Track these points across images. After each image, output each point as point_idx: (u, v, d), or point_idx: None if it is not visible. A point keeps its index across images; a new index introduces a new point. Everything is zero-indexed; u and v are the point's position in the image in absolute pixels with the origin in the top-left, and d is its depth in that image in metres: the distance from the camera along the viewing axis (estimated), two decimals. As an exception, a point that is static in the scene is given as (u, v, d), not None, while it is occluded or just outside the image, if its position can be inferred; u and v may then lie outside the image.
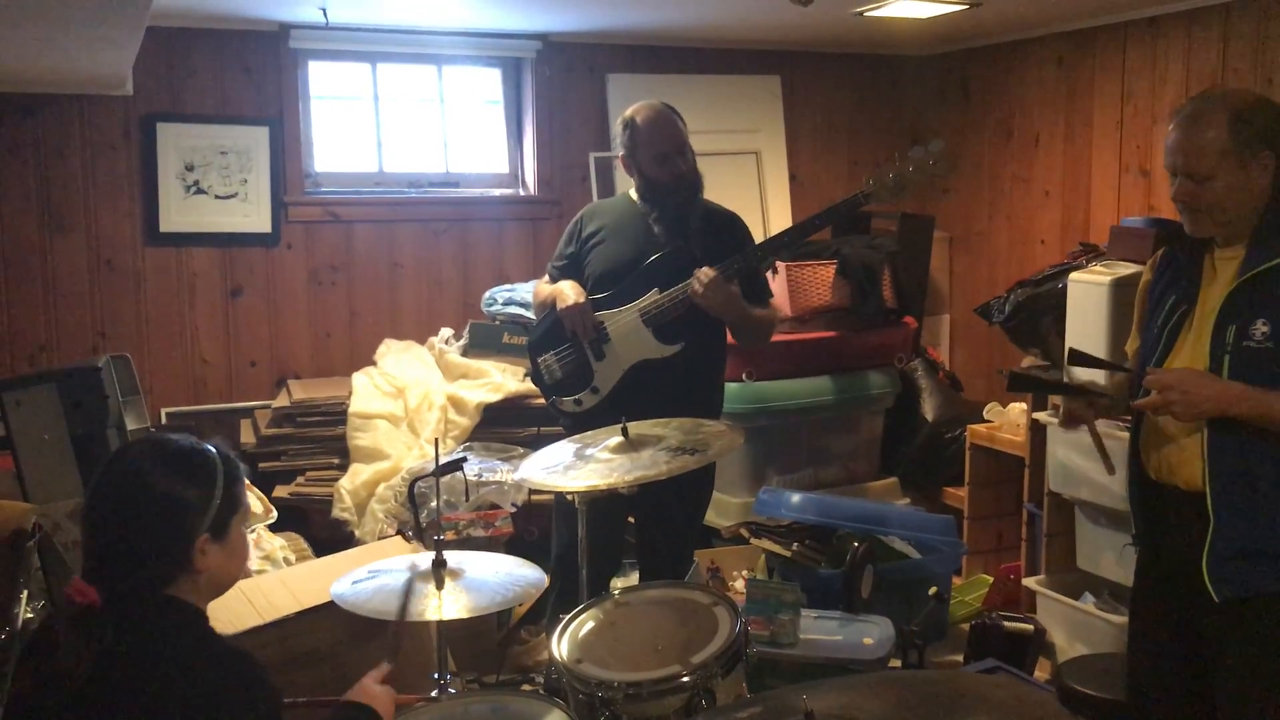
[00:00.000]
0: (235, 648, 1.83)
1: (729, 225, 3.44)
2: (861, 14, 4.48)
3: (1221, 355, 2.26)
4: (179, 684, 1.69)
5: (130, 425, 3.70)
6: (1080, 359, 2.59)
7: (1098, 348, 3.71)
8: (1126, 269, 3.76)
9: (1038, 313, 4.17)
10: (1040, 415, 4.04)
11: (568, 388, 3.39)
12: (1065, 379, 2.61)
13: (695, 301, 3.20)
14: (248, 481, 3.87)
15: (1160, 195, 4.48)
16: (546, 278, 3.55)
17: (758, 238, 3.50)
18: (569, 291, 3.31)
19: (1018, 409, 4.37)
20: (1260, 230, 2.28)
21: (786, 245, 3.32)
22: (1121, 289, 3.66)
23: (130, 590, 1.74)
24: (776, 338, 3.69)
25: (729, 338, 3.49)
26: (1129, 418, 2.55)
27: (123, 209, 4.48)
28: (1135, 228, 3.98)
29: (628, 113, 3.38)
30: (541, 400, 4.22)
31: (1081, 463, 3.80)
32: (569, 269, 3.46)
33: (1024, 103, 5.16)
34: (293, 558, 3.75)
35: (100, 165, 4.44)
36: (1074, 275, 3.92)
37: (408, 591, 2.36)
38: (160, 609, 1.76)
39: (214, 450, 1.86)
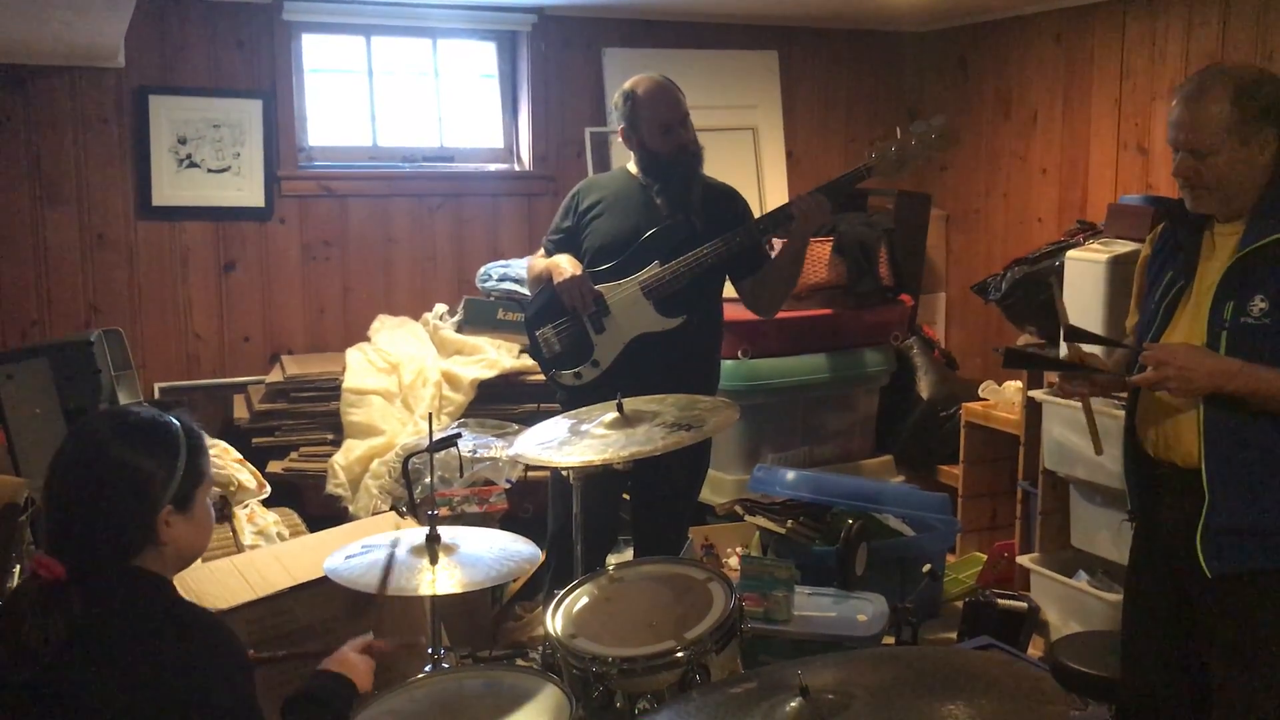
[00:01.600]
0: (204, 614, 1.84)
1: (729, 199, 3.43)
2: (860, -11, 4.45)
3: (1219, 331, 2.26)
4: (149, 652, 1.69)
5: (122, 400, 3.68)
6: (1077, 334, 2.58)
7: (1094, 325, 3.70)
8: (1124, 247, 3.75)
9: (1034, 290, 4.16)
10: (1036, 393, 4.04)
11: (567, 361, 3.37)
12: (1061, 355, 2.59)
13: (796, 210, 3.20)
14: (240, 456, 3.90)
15: (1158, 173, 4.47)
16: (541, 252, 3.53)
17: (754, 214, 3.49)
18: (566, 265, 3.30)
19: (1013, 387, 4.37)
20: (1260, 207, 2.28)
21: (778, 223, 3.31)
22: (1119, 267, 3.65)
23: (95, 563, 1.74)
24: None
25: (735, 313, 3.48)
26: (1125, 395, 2.55)
27: (115, 182, 4.45)
28: (1133, 205, 3.97)
29: (627, 85, 3.36)
30: (537, 377, 4.23)
31: (1076, 441, 3.80)
32: (565, 243, 3.44)
33: (1022, 80, 5.14)
34: (286, 533, 3.75)
35: (92, 138, 4.40)
36: (1071, 253, 3.92)
37: (389, 566, 2.34)
38: (126, 580, 1.76)
39: (176, 421, 1.86)
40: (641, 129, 3.32)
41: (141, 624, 1.72)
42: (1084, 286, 3.79)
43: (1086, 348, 2.58)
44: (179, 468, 1.80)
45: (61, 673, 1.67)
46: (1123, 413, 2.55)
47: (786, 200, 4.72)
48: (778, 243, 4.31)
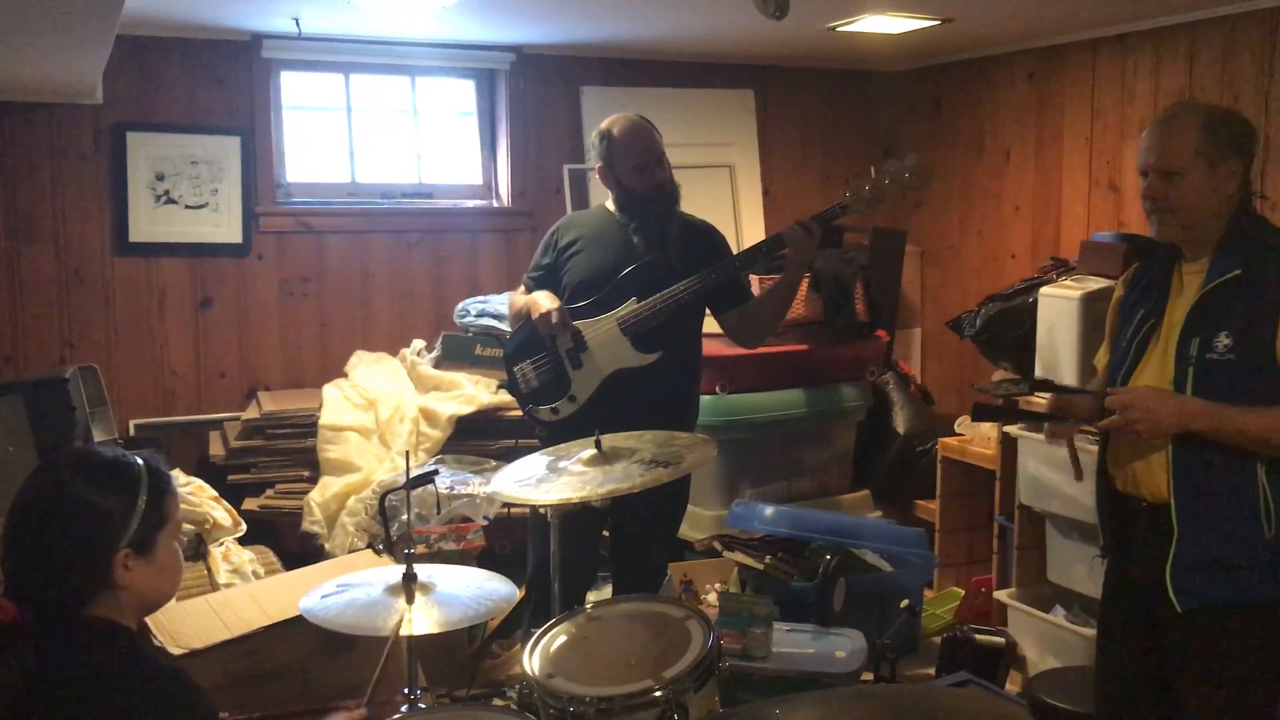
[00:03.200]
0: (168, 666, 1.78)
1: (707, 236, 3.46)
2: (834, 29, 4.50)
3: (1186, 368, 2.29)
4: (104, 707, 1.64)
5: (98, 437, 3.67)
6: (1046, 387, 2.62)
7: (1068, 361, 3.74)
8: (1096, 283, 3.79)
9: (1009, 327, 4.19)
10: (1011, 429, 4.06)
11: (544, 396, 3.38)
12: (1030, 398, 2.63)
13: (787, 240, 3.21)
14: (216, 494, 3.87)
15: (1129, 210, 4.53)
16: (521, 289, 3.54)
17: (732, 250, 3.51)
18: (544, 300, 3.31)
19: (988, 423, 4.39)
20: (1224, 242, 2.32)
21: (764, 255, 3.34)
22: (1091, 303, 3.69)
23: (48, 608, 1.69)
24: (749, 350, 3.70)
25: (712, 349, 3.50)
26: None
27: (92, 218, 4.44)
28: (1105, 242, 4.02)
29: (604, 125, 3.39)
30: (515, 413, 4.23)
31: (1052, 476, 3.82)
32: (544, 280, 3.45)
33: (995, 118, 5.20)
34: (261, 571, 3.72)
35: (69, 174, 4.39)
36: (1044, 289, 3.95)
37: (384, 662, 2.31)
38: (81, 629, 1.70)
39: (140, 461, 1.80)
40: (618, 168, 3.35)
41: (97, 677, 1.66)
42: (1057, 322, 3.83)
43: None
44: (139, 508, 1.74)
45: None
46: (1096, 447, 2.57)
47: (764, 236, 4.76)
48: (755, 279, 4.37)
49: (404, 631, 2.36)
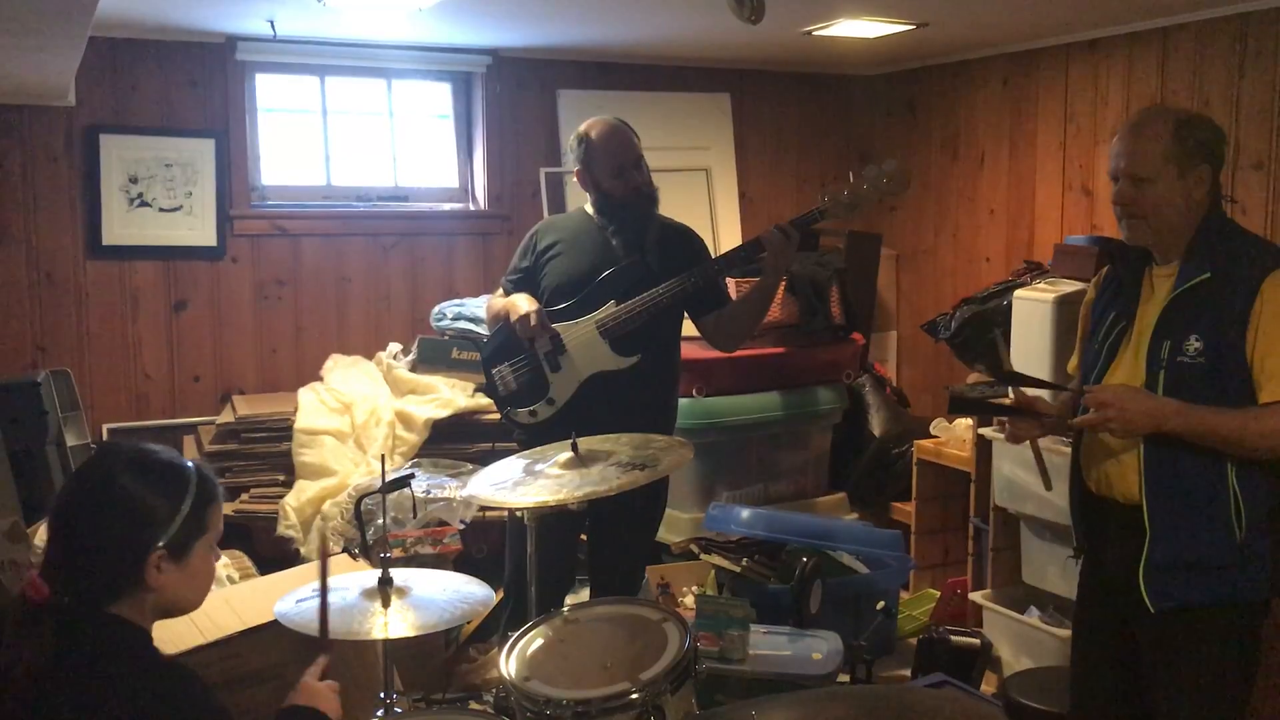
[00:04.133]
0: (180, 668, 1.79)
1: (685, 239, 3.46)
2: (810, 33, 4.52)
3: (1157, 370, 2.31)
4: (119, 705, 1.65)
5: (70, 441, 3.64)
6: (1016, 379, 2.63)
7: (1041, 363, 3.76)
8: (1070, 286, 3.82)
9: (983, 329, 4.22)
10: (986, 431, 4.09)
11: (522, 399, 3.37)
12: (1006, 398, 2.64)
13: (766, 244, 3.21)
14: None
15: (1102, 214, 4.56)
16: (500, 292, 3.54)
17: (711, 253, 3.52)
18: (522, 303, 3.31)
19: (964, 425, 4.42)
20: (1194, 246, 2.34)
21: (742, 259, 3.35)
22: (1065, 306, 3.72)
23: (77, 596, 1.71)
24: (727, 354, 3.70)
25: (690, 352, 3.50)
26: (1071, 435, 2.59)
27: (64, 221, 4.41)
28: (1078, 246, 4.05)
29: (582, 128, 3.39)
30: (492, 416, 4.22)
31: (1026, 478, 3.84)
32: (523, 283, 3.45)
33: (969, 122, 5.24)
34: (236, 576, 3.69)
35: (41, 176, 4.36)
36: (1018, 292, 3.99)
37: (324, 605, 2.29)
38: (102, 625, 1.72)
39: (192, 466, 1.83)
40: (596, 171, 3.35)
41: (114, 675, 1.68)
42: (1031, 325, 3.85)
43: (1034, 391, 2.62)
44: (182, 511, 1.76)
45: (30, 711, 1.63)
46: (1070, 449, 2.59)
47: (740, 241, 4.77)
48: (732, 282, 4.38)
49: (379, 635, 2.35)
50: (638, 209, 3.35)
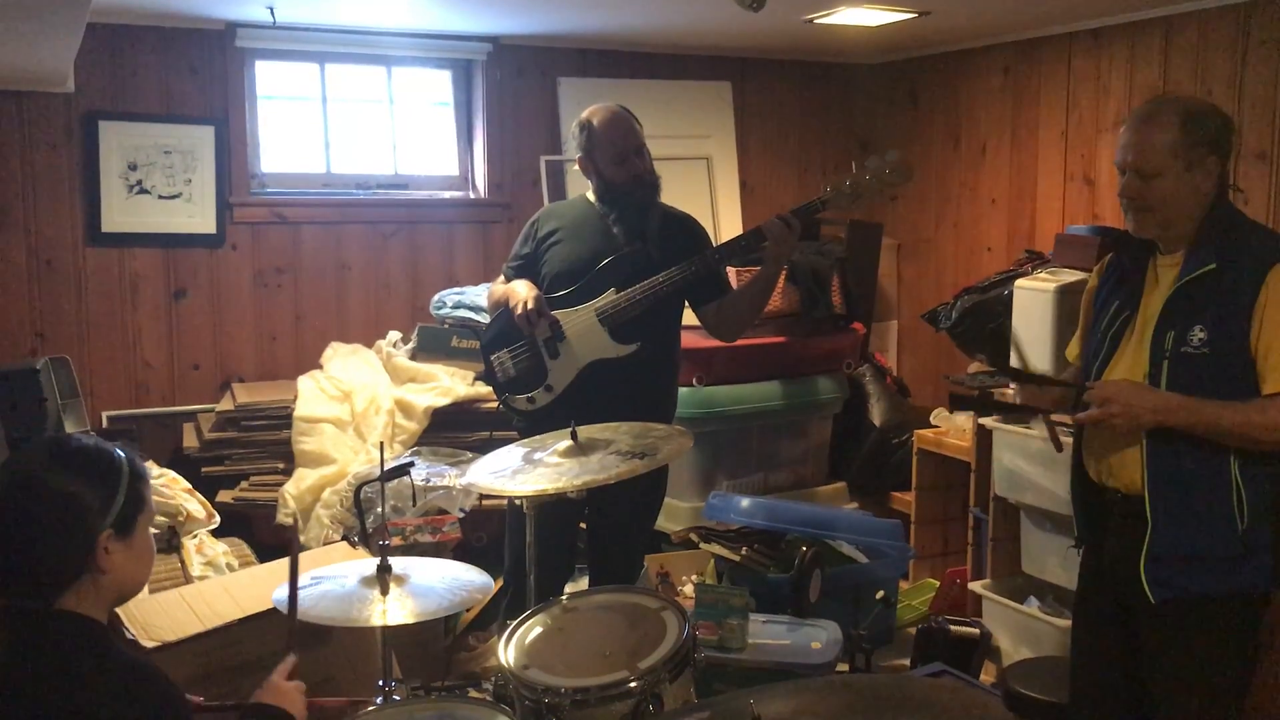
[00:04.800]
0: (137, 661, 1.77)
1: (687, 227, 3.46)
2: (811, 21, 4.51)
3: (1160, 361, 2.30)
4: (75, 703, 1.63)
5: (69, 428, 3.63)
6: (1017, 375, 2.63)
7: (1043, 353, 3.76)
8: (1071, 276, 3.81)
9: (984, 319, 4.21)
10: (986, 421, 4.08)
11: (521, 386, 3.37)
12: (1007, 392, 2.64)
13: (768, 233, 3.19)
14: (189, 486, 3.84)
15: (1104, 204, 4.55)
16: (501, 278, 3.53)
17: (712, 242, 3.51)
18: (522, 289, 3.30)
19: (964, 415, 4.41)
20: (1199, 237, 2.33)
21: (744, 249, 3.34)
22: (1066, 296, 3.71)
23: (27, 596, 1.70)
24: (727, 343, 3.70)
25: (690, 340, 3.50)
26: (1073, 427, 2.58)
27: (63, 208, 4.40)
28: (1080, 235, 4.04)
29: (584, 115, 3.38)
30: (491, 405, 4.22)
31: (1027, 467, 3.84)
32: (524, 269, 3.44)
33: (971, 112, 5.22)
34: (236, 564, 3.69)
35: (40, 164, 4.35)
36: (1020, 282, 3.98)
37: (294, 584, 2.29)
38: (52, 623, 1.70)
39: (115, 449, 1.82)
40: (598, 158, 3.34)
41: (65, 673, 1.66)
42: (1032, 315, 3.85)
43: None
44: (120, 493, 1.76)
45: None
46: (1071, 437, 2.59)
47: (741, 230, 4.76)
48: (733, 271, 4.37)
49: (378, 622, 2.35)
50: (639, 196, 3.34)
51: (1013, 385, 2.62)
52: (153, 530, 1.90)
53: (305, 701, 1.97)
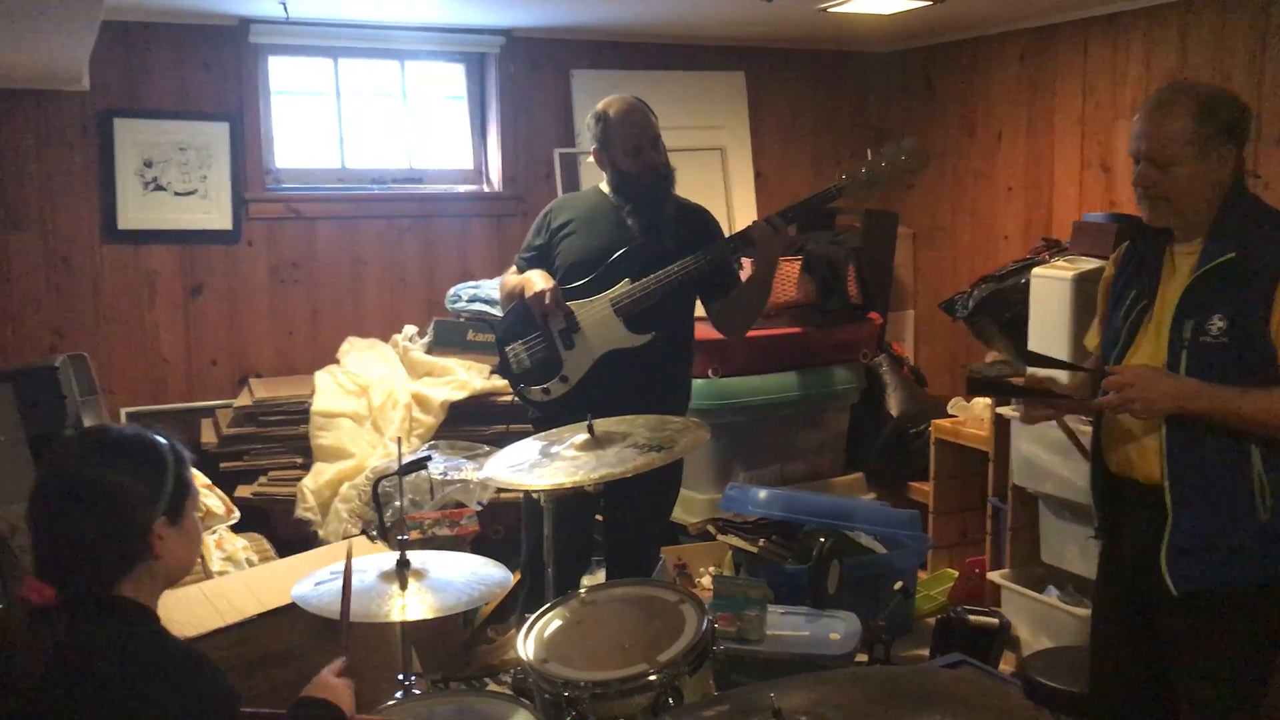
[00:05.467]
0: (190, 649, 1.80)
1: (700, 219, 3.45)
2: (825, 10, 4.48)
3: (1179, 350, 2.28)
4: (133, 688, 1.66)
5: (88, 425, 3.65)
6: (1037, 360, 2.61)
7: (1060, 342, 3.74)
8: (1089, 264, 3.78)
9: (1001, 308, 4.19)
10: (1004, 410, 4.06)
11: (536, 377, 3.37)
12: (1024, 379, 2.61)
13: (754, 236, 3.19)
14: (209, 482, 3.86)
15: (1121, 190, 4.52)
16: (513, 269, 3.53)
17: (726, 234, 3.50)
18: (537, 279, 3.30)
19: (981, 404, 4.39)
20: (1217, 225, 2.30)
21: (731, 253, 3.32)
22: (1084, 284, 3.68)
23: (84, 586, 1.71)
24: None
25: (705, 332, 3.50)
26: (1090, 416, 2.57)
27: (80, 206, 4.42)
28: (1097, 223, 4.01)
29: (599, 106, 3.37)
30: (507, 398, 4.22)
31: (1045, 456, 3.82)
32: (537, 260, 3.44)
33: (987, 99, 5.19)
34: (255, 559, 3.71)
35: (56, 162, 4.36)
36: (1037, 270, 3.95)
37: (346, 590, 2.30)
38: (110, 611, 1.72)
39: (158, 435, 1.83)
40: (613, 150, 3.33)
41: (126, 659, 1.68)
42: (1050, 303, 3.83)
43: (1047, 371, 2.60)
44: (168, 480, 1.78)
45: (48, 705, 1.63)
46: (1090, 429, 2.57)
47: (757, 219, 4.74)
48: (748, 263, 4.36)
49: (397, 618, 2.36)
50: (654, 188, 3.33)
51: (1016, 400, 2.58)
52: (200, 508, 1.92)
53: (353, 698, 1.98)
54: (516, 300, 3.38)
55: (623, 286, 3.26)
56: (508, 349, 3.43)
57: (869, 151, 3.29)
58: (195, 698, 1.70)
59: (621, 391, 3.16)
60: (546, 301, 3.23)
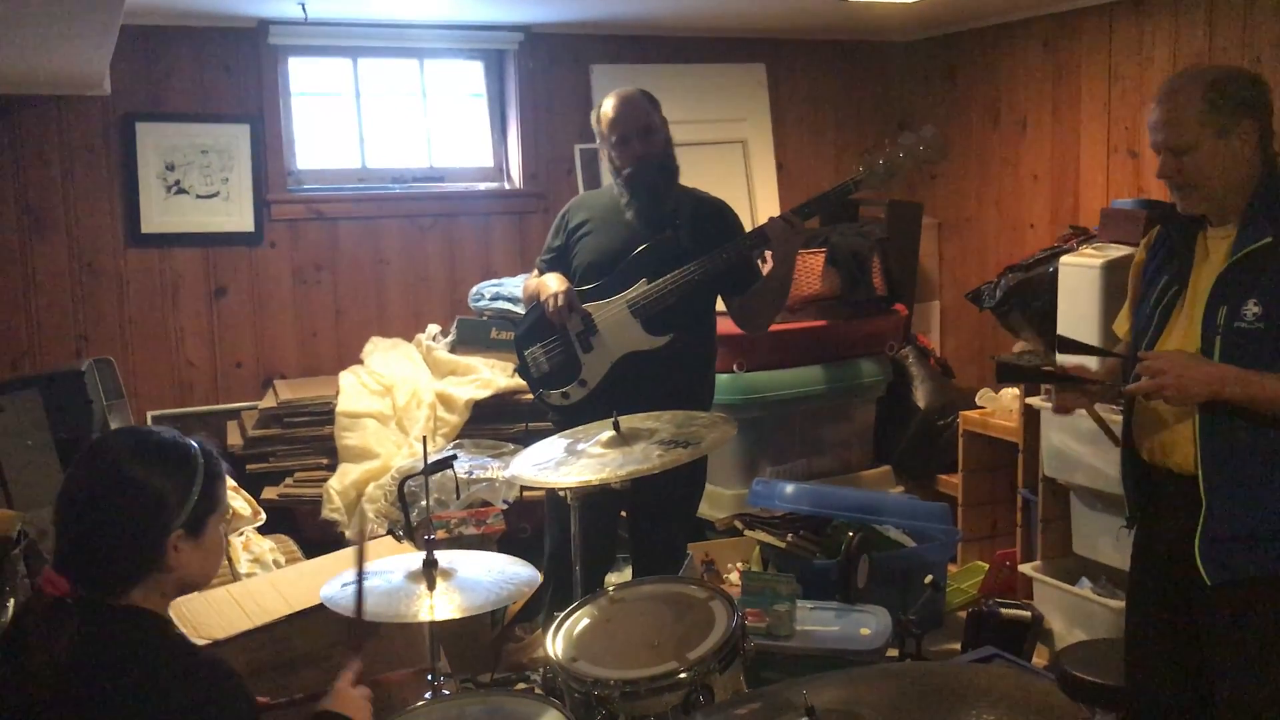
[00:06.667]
0: (208, 656, 1.79)
1: (718, 214, 3.41)
2: (846, -1, 4.45)
3: (1213, 336, 2.24)
4: (150, 697, 1.65)
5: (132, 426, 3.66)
6: (1069, 346, 2.57)
7: (1090, 330, 3.69)
8: (1118, 251, 3.74)
9: (1029, 297, 4.15)
10: (1033, 400, 4.02)
11: (555, 381, 3.35)
12: (1054, 366, 2.58)
13: (769, 234, 3.15)
14: (235, 484, 3.87)
15: (1149, 177, 4.46)
16: (535, 272, 3.51)
17: (745, 228, 3.47)
18: (552, 283, 3.27)
19: (1010, 394, 4.35)
20: (1250, 209, 2.26)
21: (747, 250, 3.28)
22: (1113, 271, 3.64)
23: (97, 587, 1.71)
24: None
25: (729, 326, 3.47)
26: (1121, 403, 2.53)
27: (103, 210, 4.43)
28: (1125, 209, 3.96)
29: (600, 101, 3.36)
30: (530, 396, 4.21)
31: (1076, 447, 3.78)
32: (556, 262, 3.42)
33: (1010, 86, 5.14)
34: (282, 560, 3.72)
35: (79, 166, 4.38)
36: (1065, 259, 3.91)
37: (361, 588, 2.29)
38: (121, 615, 1.72)
39: (196, 445, 1.82)
40: (605, 143, 3.31)
41: (135, 663, 1.68)
42: (1079, 292, 3.78)
43: (1077, 358, 2.56)
44: (194, 491, 1.76)
45: (61, 708, 1.63)
46: (1121, 417, 2.53)
47: (779, 212, 4.71)
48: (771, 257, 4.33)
49: (426, 618, 2.35)
50: (650, 181, 3.27)
51: (1047, 387, 2.55)
52: (226, 522, 1.91)
53: (370, 708, 1.96)
54: (534, 304, 3.36)
55: (639, 287, 3.23)
56: (526, 353, 3.41)
57: (886, 141, 3.25)
58: (214, 705, 1.69)
59: (642, 394, 3.12)
60: (558, 304, 3.19)
